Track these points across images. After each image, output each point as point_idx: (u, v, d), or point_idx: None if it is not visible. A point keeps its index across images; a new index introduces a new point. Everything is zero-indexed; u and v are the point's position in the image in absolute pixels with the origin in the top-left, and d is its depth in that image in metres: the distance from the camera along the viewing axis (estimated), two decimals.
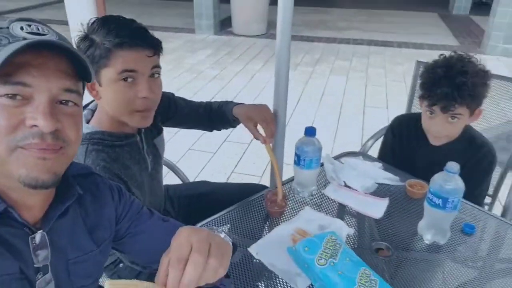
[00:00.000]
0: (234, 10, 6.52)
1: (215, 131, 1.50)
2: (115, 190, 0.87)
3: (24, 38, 0.59)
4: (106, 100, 1.00)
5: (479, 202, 1.38)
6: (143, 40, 0.96)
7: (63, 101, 0.63)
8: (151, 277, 0.65)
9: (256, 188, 1.48)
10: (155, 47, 0.99)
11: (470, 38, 6.58)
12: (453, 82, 1.22)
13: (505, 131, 1.88)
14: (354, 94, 4.24)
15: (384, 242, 1.12)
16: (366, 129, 3.41)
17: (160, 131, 1.26)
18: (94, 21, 0.99)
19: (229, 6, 6.63)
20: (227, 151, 3.12)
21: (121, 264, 1.23)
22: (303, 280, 0.98)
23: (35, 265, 0.67)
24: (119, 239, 0.87)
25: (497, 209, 1.84)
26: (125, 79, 0.96)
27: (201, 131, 3.33)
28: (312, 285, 0.97)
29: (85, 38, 0.98)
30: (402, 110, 2.03)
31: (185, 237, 0.64)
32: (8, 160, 0.60)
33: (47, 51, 0.61)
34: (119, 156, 1.03)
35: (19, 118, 0.59)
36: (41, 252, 0.67)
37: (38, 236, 0.67)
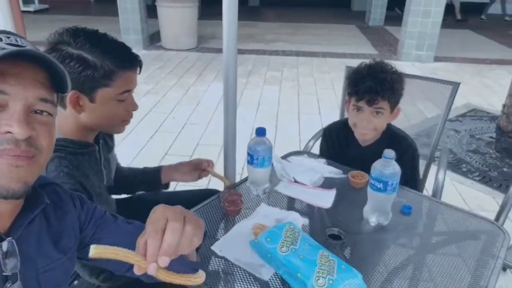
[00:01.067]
0: (163, 25, 6.48)
1: None
2: (76, 198, 0.86)
3: (3, 49, 0.60)
4: (94, 115, 1.02)
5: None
6: (137, 61, 1.03)
7: (38, 111, 0.64)
8: None
9: (208, 193, 1.51)
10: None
11: (386, 47, 7.20)
12: (375, 78, 1.41)
13: (424, 128, 2.11)
14: (288, 102, 4.43)
15: (336, 228, 1.21)
16: (302, 134, 3.58)
17: (112, 148, 1.25)
18: (77, 36, 0.96)
19: (157, 21, 6.59)
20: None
21: (75, 282, 1.19)
22: (267, 270, 1.04)
23: (4, 273, 0.65)
24: (85, 246, 0.86)
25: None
26: (122, 98, 1.03)
27: (139, 148, 3.29)
28: (276, 273, 1.03)
29: (74, 56, 0.95)
30: (334, 114, 2.19)
31: (160, 212, 0.67)
32: None
33: (25, 62, 0.62)
34: (80, 164, 1.02)
35: None
36: (10, 260, 0.66)
37: (6, 243, 0.65)
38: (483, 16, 10.00)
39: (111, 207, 1.24)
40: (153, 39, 6.95)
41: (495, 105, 4.24)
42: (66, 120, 1.04)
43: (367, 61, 1.54)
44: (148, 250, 0.63)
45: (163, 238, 0.63)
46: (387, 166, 1.16)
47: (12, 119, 0.60)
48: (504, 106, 3.33)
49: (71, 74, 0.94)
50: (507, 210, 1.59)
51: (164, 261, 0.62)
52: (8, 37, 0.62)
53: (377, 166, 1.17)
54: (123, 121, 1.09)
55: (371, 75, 1.43)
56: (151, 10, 7.33)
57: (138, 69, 1.05)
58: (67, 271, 0.81)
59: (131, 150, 3.18)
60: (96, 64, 0.96)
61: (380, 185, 1.16)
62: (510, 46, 7.30)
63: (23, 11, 5.78)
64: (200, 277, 0.71)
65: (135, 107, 1.09)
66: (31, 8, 9.58)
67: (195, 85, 4.93)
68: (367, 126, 1.48)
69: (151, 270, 0.62)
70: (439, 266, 1.08)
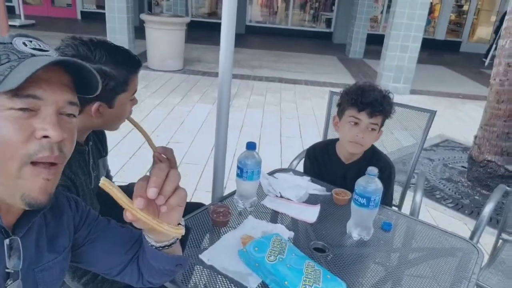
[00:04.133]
0: (150, 46, 6.56)
1: None
2: (71, 200, 0.88)
3: (32, 54, 0.62)
4: (108, 117, 1.08)
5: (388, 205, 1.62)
6: (141, 63, 1.12)
7: (65, 114, 0.66)
8: None
9: (194, 206, 1.53)
10: None
11: (365, 78, 7.47)
12: (377, 91, 1.50)
13: (400, 156, 2.21)
14: (270, 125, 4.52)
15: (320, 241, 1.25)
16: (284, 155, 3.65)
17: (105, 154, 1.27)
18: (92, 50, 1.00)
19: (144, 42, 6.66)
20: None
21: None
22: (254, 278, 1.06)
23: (7, 270, 0.66)
24: (78, 247, 0.87)
25: None
26: (132, 99, 1.12)
27: (121, 164, 3.28)
28: (263, 282, 1.06)
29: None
30: (314, 138, 2.26)
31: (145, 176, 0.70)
32: (17, 177, 0.61)
33: (56, 66, 0.64)
34: (71, 161, 1.03)
35: (29, 131, 0.60)
36: (14, 257, 0.67)
37: (12, 240, 0.66)
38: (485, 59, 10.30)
39: (95, 209, 1.25)
40: (140, 59, 7.00)
41: (467, 136, 4.45)
42: None
43: (360, 81, 1.63)
44: (135, 188, 0.65)
45: (150, 176, 0.66)
46: (370, 182, 1.22)
47: (45, 122, 0.61)
48: (475, 137, 3.50)
49: None
50: (480, 232, 1.68)
51: (152, 191, 0.64)
52: (30, 41, 0.64)
53: (361, 183, 1.24)
54: (127, 117, 1.17)
55: (372, 89, 1.52)
56: (138, 31, 7.43)
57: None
58: (62, 270, 0.82)
59: (114, 166, 3.15)
60: (114, 74, 1.03)
61: (364, 201, 1.22)
62: (482, 82, 7.70)
63: (9, 25, 5.75)
64: (180, 229, 0.71)
65: (136, 102, 1.18)
66: (17, 22, 9.52)
67: (180, 105, 4.97)
68: (362, 140, 1.52)
69: (139, 203, 0.64)
70: (417, 281, 1.13)
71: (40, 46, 0.65)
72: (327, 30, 12.96)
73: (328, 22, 13.07)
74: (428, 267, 1.22)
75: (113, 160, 3.18)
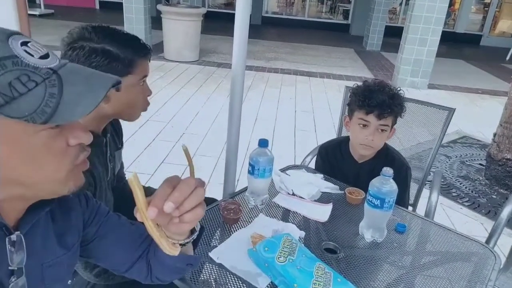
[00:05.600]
0: (167, 37, 6.57)
1: None
2: (81, 196, 0.88)
3: (50, 69, 0.57)
4: (119, 103, 1.08)
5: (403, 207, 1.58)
6: (150, 49, 1.12)
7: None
8: None
9: (205, 201, 1.53)
10: None
11: (383, 72, 7.35)
12: (386, 93, 1.46)
13: (417, 152, 2.17)
14: (284, 118, 4.49)
15: (332, 242, 1.23)
16: (297, 150, 3.63)
17: (121, 147, 1.28)
18: (97, 31, 1.02)
19: (161, 32, 6.67)
20: (165, 173, 3.09)
21: (69, 281, 1.19)
22: (263, 279, 1.05)
23: (10, 267, 0.66)
24: (87, 243, 0.87)
25: None
26: (142, 84, 1.11)
27: (137, 154, 3.30)
28: (272, 282, 1.04)
29: (99, 50, 1.01)
30: (329, 132, 2.24)
31: (176, 176, 0.69)
32: (66, 181, 0.64)
33: None
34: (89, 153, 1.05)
35: (65, 142, 0.62)
36: (17, 254, 0.67)
37: (15, 237, 0.66)
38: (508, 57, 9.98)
39: (108, 205, 1.25)
40: (156, 49, 7.02)
41: (486, 133, 4.34)
42: None
43: (370, 79, 1.59)
44: (157, 194, 0.64)
45: (175, 188, 0.64)
46: (385, 183, 1.19)
47: (76, 130, 0.63)
48: (495, 135, 3.41)
49: (99, 67, 1.00)
50: (498, 234, 1.63)
51: (169, 206, 0.62)
52: (27, 44, 0.57)
53: (375, 183, 1.21)
54: (143, 106, 1.17)
55: (382, 90, 1.48)
56: (155, 22, 7.43)
57: (150, 57, 1.14)
58: (70, 266, 0.82)
59: (129, 156, 3.19)
60: (119, 55, 1.03)
61: (377, 202, 1.19)
62: (502, 78, 7.48)
63: (29, 14, 5.83)
64: (176, 248, 0.72)
65: (150, 92, 1.17)
66: (36, 12, 9.66)
67: (195, 96, 4.97)
68: (372, 141, 1.50)
69: (151, 212, 0.62)
70: (430, 283, 1.10)
71: (39, 50, 0.59)
72: (345, 22, 12.76)
73: (346, 14, 12.87)
74: (443, 271, 1.19)
75: (126, 151, 3.22)
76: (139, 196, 0.64)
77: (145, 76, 1.13)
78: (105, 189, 1.15)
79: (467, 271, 1.20)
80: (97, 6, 12.83)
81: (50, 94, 0.55)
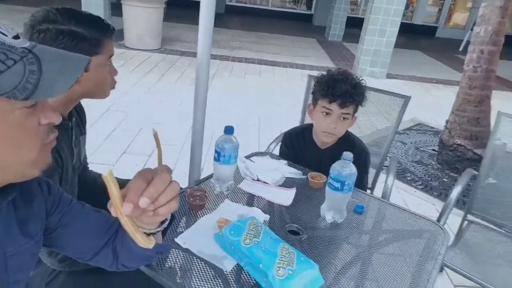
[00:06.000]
0: (127, 24, 6.37)
1: None
2: (43, 183, 0.86)
3: (26, 48, 0.58)
4: (88, 83, 1.08)
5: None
6: (113, 29, 1.12)
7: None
8: None
9: None
10: None
11: (344, 61, 7.53)
12: (349, 82, 1.51)
13: (375, 139, 2.26)
14: (249, 107, 4.52)
15: (295, 224, 1.28)
16: (261, 138, 3.68)
17: (84, 132, 1.27)
18: (61, 13, 1.02)
19: (121, 19, 6.46)
20: (126, 164, 3.05)
21: (31, 272, 1.18)
22: (229, 261, 1.09)
23: None
24: (51, 231, 0.86)
25: None
26: (109, 63, 1.13)
27: (97, 145, 3.22)
28: (238, 264, 1.08)
29: (65, 32, 1.00)
30: (293, 121, 2.29)
31: (149, 169, 0.71)
32: (36, 160, 0.65)
33: None
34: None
35: (37, 121, 0.63)
36: None
37: None
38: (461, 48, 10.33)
39: (73, 190, 1.24)
40: (116, 37, 6.76)
41: (439, 121, 4.58)
42: None
43: (333, 69, 1.64)
44: (130, 189, 0.64)
45: (151, 183, 0.65)
46: (345, 167, 1.25)
47: (47, 110, 0.64)
48: (447, 122, 3.60)
49: (67, 48, 1.00)
50: (447, 214, 1.76)
51: (144, 202, 0.63)
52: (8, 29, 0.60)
53: (336, 167, 1.27)
54: (111, 86, 1.20)
55: (345, 79, 1.53)
56: (115, 8, 7.19)
57: (113, 37, 1.16)
58: (34, 255, 0.81)
59: (90, 146, 3.09)
60: (86, 35, 1.03)
61: (338, 185, 1.25)
62: (455, 68, 7.87)
63: None
64: (151, 241, 0.73)
65: (116, 72, 1.20)
66: None
67: (157, 85, 4.89)
68: (334, 129, 1.56)
69: (126, 209, 0.63)
70: (386, 260, 1.18)
71: (10, 30, 0.61)
72: (308, 12, 12.89)
73: (309, 4, 12.99)
74: (398, 247, 1.28)
75: (87, 141, 3.14)
76: (114, 192, 0.64)
77: (112, 55, 1.14)
78: (71, 173, 1.14)
79: (420, 247, 1.29)
80: None
81: (30, 71, 0.57)
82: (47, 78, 0.58)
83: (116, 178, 0.65)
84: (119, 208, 0.65)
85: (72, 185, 1.20)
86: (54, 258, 1.06)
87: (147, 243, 0.71)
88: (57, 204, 0.87)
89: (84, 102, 1.35)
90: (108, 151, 3.15)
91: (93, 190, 1.40)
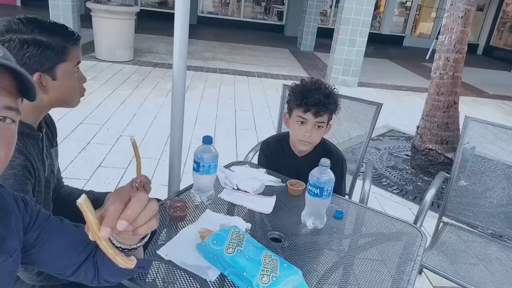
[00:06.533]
0: (98, 36, 6.28)
1: None
2: (19, 200, 0.84)
3: None
4: (57, 91, 1.07)
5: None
6: (79, 35, 1.12)
7: (0, 117, 0.63)
8: None
9: None
10: None
11: (316, 71, 7.66)
12: (322, 92, 1.54)
13: (350, 146, 2.32)
14: (225, 118, 4.52)
15: (277, 231, 1.29)
16: (239, 148, 3.68)
17: (55, 145, 1.24)
18: (24, 23, 1.00)
19: (91, 31, 6.37)
20: (102, 177, 2.98)
21: None
22: (213, 271, 1.08)
23: None
24: (30, 248, 0.83)
25: None
26: (76, 71, 1.11)
27: (71, 158, 3.14)
28: (221, 274, 1.07)
29: (30, 41, 0.99)
30: (269, 130, 2.31)
31: (126, 189, 0.68)
32: None
33: None
34: (27, 145, 1.04)
35: None
36: None
37: None
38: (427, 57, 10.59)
39: (48, 204, 1.21)
40: (86, 49, 6.68)
41: (410, 126, 4.72)
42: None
43: (307, 78, 1.67)
44: (107, 213, 0.63)
45: (128, 204, 0.64)
46: (323, 173, 1.27)
47: None
48: (418, 127, 3.72)
49: (32, 57, 1.00)
50: (423, 216, 1.81)
51: (122, 225, 0.62)
52: None
53: (315, 174, 1.29)
54: (80, 93, 1.18)
55: (318, 89, 1.56)
56: (84, 20, 7.07)
57: (79, 44, 1.15)
58: (12, 273, 0.78)
59: (63, 161, 3.01)
60: (51, 43, 1.03)
61: (317, 191, 1.27)
62: (423, 75, 8.17)
63: None
64: (132, 261, 0.72)
65: (84, 79, 1.19)
66: None
67: (131, 98, 4.82)
68: (309, 137, 1.59)
69: (104, 233, 0.62)
70: (367, 263, 1.20)
71: None
72: (279, 23, 13.09)
73: (280, 15, 13.20)
74: (377, 251, 1.30)
75: (60, 156, 3.07)
76: (90, 219, 0.64)
77: (79, 62, 1.14)
78: (44, 186, 1.11)
79: (399, 249, 1.32)
80: (18, 3, 11.90)
81: None
82: None
83: (92, 191, 0.64)
84: (97, 233, 0.64)
85: (46, 198, 1.17)
86: (30, 272, 1.02)
87: (128, 264, 0.71)
88: (34, 220, 0.85)
89: (57, 116, 1.33)
90: (82, 165, 3.08)
91: (69, 205, 1.36)
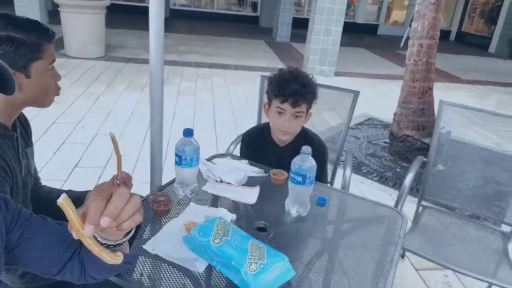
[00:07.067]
0: (67, 32, 6.09)
1: None
2: (0, 200, 0.81)
3: None
4: (31, 89, 1.04)
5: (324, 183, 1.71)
6: (53, 33, 1.09)
7: None
8: None
9: None
10: None
11: (293, 61, 7.68)
12: (299, 81, 1.54)
13: (329, 135, 2.35)
14: (203, 111, 4.49)
15: (262, 221, 1.29)
16: (219, 141, 3.67)
17: (31, 144, 1.20)
18: None
19: (60, 27, 6.17)
20: (79, 177, 2.91)
21: None
22: (200, 263, 1.08)
23: None
24: (13, 248, 0.81)
25: None
26: (51, 69, 1.08)
27: (46, 160, 3.05)
28: (209, 265, 1.07)
29: (3, 38, 0.96)
30: (248, 122, 2.30)
31: (107, 184, 0.67)
32: None
33: None
34: (2, 145, 1.01)
35: None
36: None
37: None
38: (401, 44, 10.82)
39: (27, 205, 1.18)
40: (55, 46, 6.47)
41: (388, 114, 4.80)
42: None
43: (285, 67, 1.67)
44: (89, 210, 0.62)
45: (110, 200, 0.63)
46: (305, 161, 1.28)
47: None
48: (395, 114, 3.80)
49: (6, 55, 0.97)
50: (403, 200, 1.85)
51: (106, 221, 0.61)
52: None
53: (297, 161, 1.29)
54: (54, 92, 1.15)
55: (295, 78, 1.56)
56: (52, 16, 6.85)
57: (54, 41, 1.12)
58: None
59: (38, 162, 2.93)
60: (25, 40, 0.99)
61: (300, 178, 1.28)
62: (398, 63, 8.31)
63: None
64: (118, 257, 0.72)
65: (59, 77, 1.16)
66: None
67: (105, 95, 4.72)
68: (289, 127, 1.60)
69: (88, 231, 0.61)
70: (351, 248, 1.22)
71: None
72: (254, 14, 13.02)
73: (254, 6, 13.13)
74: (361, 235, 1.33)
75: (36, 156, 2.97)
76: (72, 217, 0.63)
77: (53, 60, 1.11)
78: (21, 186, 1.08)
79: (381, 232, 1.35)
80: None
81: None
82: None
83: (71, 190, 0.64)
84: (80, 231, 0.63)
85: (24, 199, 1.14)
86: (13, 274, 1.00)
87: (115, 260, 0.70)
88: (16, 219, 0.82)
89: (28, 116, 1.29)
90: (58, 166, 3.00)
91: (49, 204, 1.33)
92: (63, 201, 0.62)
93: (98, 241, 0.72)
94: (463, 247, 1.89)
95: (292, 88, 1.53)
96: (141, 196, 1.48)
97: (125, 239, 0.77)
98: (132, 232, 0.79)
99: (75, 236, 0.64)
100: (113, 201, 0.64)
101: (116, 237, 0.75)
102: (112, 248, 0.79)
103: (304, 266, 1.12)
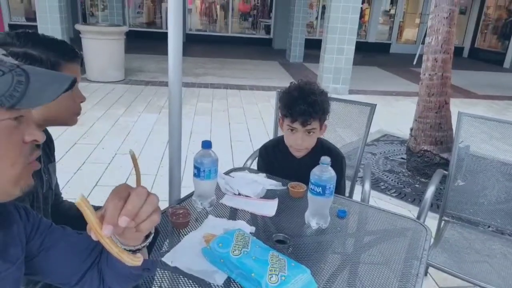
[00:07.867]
0: (88, 57, 6.30)
1: None
2: (21, 209, 0.83)
3: (18, 66, 0.62)
4: (48, 108, 1.03)
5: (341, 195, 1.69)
6: (78, 53, 1.10)
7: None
8: None
9: None
10: None
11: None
12: (306, 101, 1.52)
13: (345, 152, 2.32)
14: (219, 131, 4.52)
15: (281, 233, 1.28)
16: (235, 160, 3.67)
17: (53, 160, 1.23)
18: (19, 36, 1.00)
19: (81, 53, 6.38)
20: (99, 196, 2.95)
21: None
22: (220, 275, 1.06)
23: None
24: (33, 257, 0.82)
25: None
26: (73, 89, 1.06)
27: (67, 179, 3.11)
28: (229, 277, 1.06)
29: (20, 54, 0.98)
30: (264, 141, 2.29)
31: (124, 185, 0.67)
32: (18, 179, 0.65)
33: None
34: None
35: (21, 137, 0.64)
36: None
37: None
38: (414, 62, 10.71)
39: (47, 217, 1.19)
40: (76, 48, 6.68)
41: (403, 130, 4.75)
42: None
43: (296, 82, 1.67)
44: (107, 210, 0.62)
45: (127, 200, 0.63)
46: (325, 171, 1.27)
47: (31, 128, 0.65)
48: (411, 129, 3.75)
49: None
50: (425, 213, 1.81)
51: (124, 220, 0.61)
52: None
53: (316, 172, 1.28)
54: (75, 112, 1.15)
55: (303, 98, 1.54)
56: (74, 42, 7.10)
57: (80, 62, 1.12)
58: (16, 281, 0.77)
59: (59, 181, 2.99)
60: (42, 57, 1.00)
61: (319, 189, 1.27)
62: (411, 80, 8.27)
63: None
64: (138, 258, 0.70)
65: (83, 98, 1.16)
66: None
67: (124, 116, 4.82)
68: (301, 145, 1.60)
69: (106, 231, 0.61)
70: (373, 261, 1.19)
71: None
72: (267, 37, 13.25)
73: (267, 29, 13.37)
74: (383, 247, 1.29)
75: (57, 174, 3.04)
76: (90, 217, 0.63)
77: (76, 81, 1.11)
78: (42, 202, 1.10)
79: (405, 245, 1.31)
80: (7, 29, 11.93)
81: (18, 81, 0.60)
82: (33, 88, 0.60)
83: (91, 206, 0.64)
84: (99, 232, 0.63)
85: (45, 214, 1.15)
86: (32, 287, 1.00)
87: (135, 261, 0.69)
88: (36, 227, 0.84)
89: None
90: (78, 185, 3.04)
91: (69, 220, 1.34)
92: (80, 201, 0.61)
93: None
94: (489, 263, 1.82)
95: (300, 109, 1.52)
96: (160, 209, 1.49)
97: (144, 244, 0.77)
98: (151, 237, 0.79)
99: (93, 237, 0.64)
100: (130, 200, 0.63)
101: (135, 242, 0.75)
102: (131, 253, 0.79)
103: (326, 279, 1.10)
